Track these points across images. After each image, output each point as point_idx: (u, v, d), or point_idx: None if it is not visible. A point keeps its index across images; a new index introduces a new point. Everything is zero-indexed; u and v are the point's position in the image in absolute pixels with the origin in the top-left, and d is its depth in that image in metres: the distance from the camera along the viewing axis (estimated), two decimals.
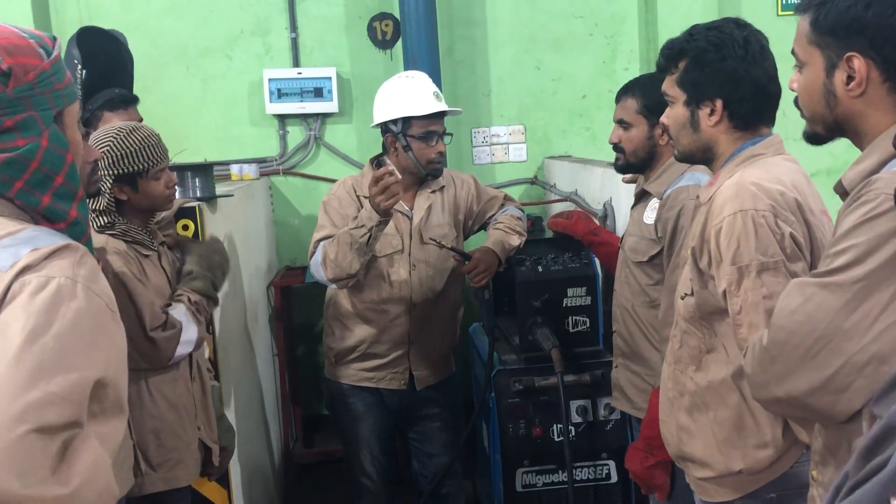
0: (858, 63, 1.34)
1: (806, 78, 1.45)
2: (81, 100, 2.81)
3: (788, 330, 1.38)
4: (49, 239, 1.21)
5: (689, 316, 1.89)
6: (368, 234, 2.72)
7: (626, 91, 2.60)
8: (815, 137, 1.50)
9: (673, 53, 1.89)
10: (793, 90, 1.51)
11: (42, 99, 1.26)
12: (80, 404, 1.12)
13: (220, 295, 2.51)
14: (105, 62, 2.96)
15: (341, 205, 2.96)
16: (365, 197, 2.93)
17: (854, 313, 1.29)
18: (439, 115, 2.95)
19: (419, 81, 2.99)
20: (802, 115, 1.50)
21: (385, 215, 2.71)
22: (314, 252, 2.91)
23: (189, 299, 2.32)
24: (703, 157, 1.93)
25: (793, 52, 1.47)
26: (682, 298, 1.90)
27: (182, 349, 2.25)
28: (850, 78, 1.36)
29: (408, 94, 2.94)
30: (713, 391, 1.86)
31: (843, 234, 1.31)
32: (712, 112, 1.85)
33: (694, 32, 1.87)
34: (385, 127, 2.97)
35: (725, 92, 1.82)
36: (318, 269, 2.87)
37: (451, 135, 3.03)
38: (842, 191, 1.41)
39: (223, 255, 2.52)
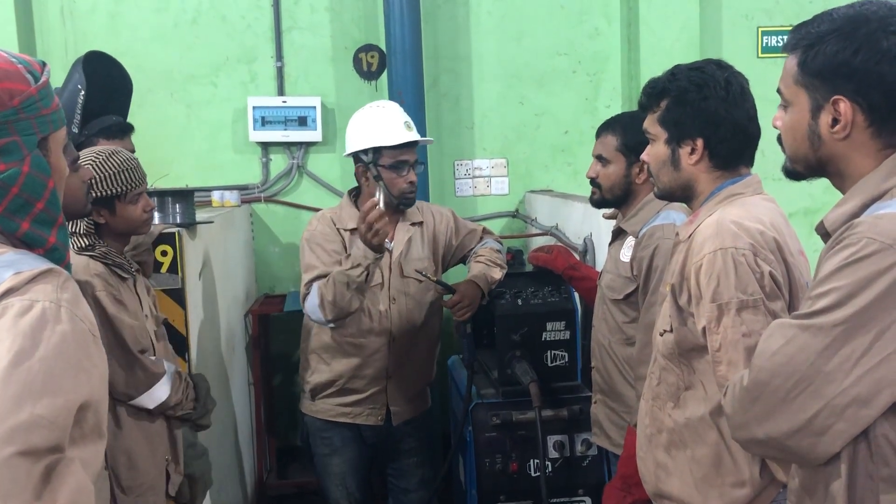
0: (844, 107, 1.35)
1: (791, 118, 1.46)
2: (79, 123, 2.81)
3: (769, 371, 1.37)
4: (31, 263, 1.20)
5: (667, 352, 1.89)
6: (365, 272, 2.71)
7: (606, 128, 2.62)
8: (794, 174, 1.51)
9: (655, 92, 1.91)
10: (776, 127, 1.52)
11: (26, 124, 1.25)
12: (64, 428, 1.12)
13: (194, 320, 2.48)
14: (105, 87, 2.98)
15: (326, 240, 2.92)
16: (346, 230, 2.92)
17: (835, 356, 1.29)
18: (410, 145, 2.92)
19: (389, 111, 2.98)
20: (784, 152, 1.51)
21: (379, 251, 2.70)
22: (306, 293, 2.86)
23: (181, 375, 2.36)
24: (683, 194, 1.94)
25: (778, 91, 1.49)
26: (661, 335, 1.91)
27: (147, 396, 2.25)
28: (835, 121, 1.37)
29: (378, 123, 2.92)
30: (691, 428, 1.85)
31: (825, 277, 1.31)
32: (693, 151, 1.86)
33: (676, 72, 1.90)
34: (356, 157, 2.95)
35: (706, 132, 1.84)
36: (316, 312, 2.82)
37: (422, 164, 3.02)
38: (823, 232, 1.41)
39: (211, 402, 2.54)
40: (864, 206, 1.34)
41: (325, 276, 2.83)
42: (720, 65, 1.89)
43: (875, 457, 1.30)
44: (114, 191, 2.20)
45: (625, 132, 2.51)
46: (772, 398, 1.37)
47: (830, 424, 1.31)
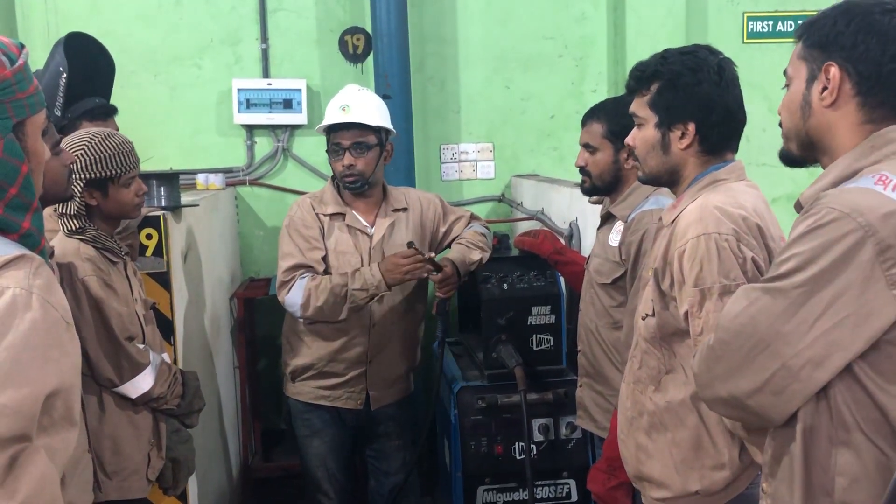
0: (834, 71, 1.40)
1: (790, 93, 1.50)
2: (62, 105, 2.78)
3: (732, 331, 1.42)
4: (4, 248, 1.19)
5: (649, 336, 1.91)
6: (369, 299, 2.79)
7: (591, 115, 2.61)
8: (788, 157, 1.54)
9: (645, 75, 1.91)
10: (780, 113, 1.55)
11: (1, 108, 1.23)
12: (30, 417, 1.11)
13: (180, 304, 2.46)
14: (87, 68, 2.94)
15: (304, 226, 2.93)
16: (326, 215, 2.93)
17: (792, 319, 1.33)
18: (346, 128, 2.91)
19: (339, 95, 3.01)
20: (782, 135, 1.54)
21: (394, 284, 2.81)
22: (287, 283, 2.87)
23: (170, 368, 2.36)
24: (669, 179, 1.95)
25: (785, 73, 1.52)
26: (643, 319, 1.92)
27: (130, 385, 2.24)
28: (825, 88, 1.42)
29: (327, 109, 2.99)
30: (672, 412, 1.87)
31: (788, 244, 1.36)
32: (683, 135, 1.87)
33: (668, 56, 1.90)
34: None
35: (698, 116, 1.85)
36: (296, 308, 2.86)
37: (369, 148, 2.91)
38: (799, 207, 1.46)
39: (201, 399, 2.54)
40: (837, 183, 1.39)
41: (302, 266, 2.84)
42: (711, 50, 1.90)
43: (835, 422, 1.33)
44: (107, 173, 2.19)
45: (610, 119, 2.52)
46: (733, 357, 1.42)
47: (787, 385, 1.35)
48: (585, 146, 2.59)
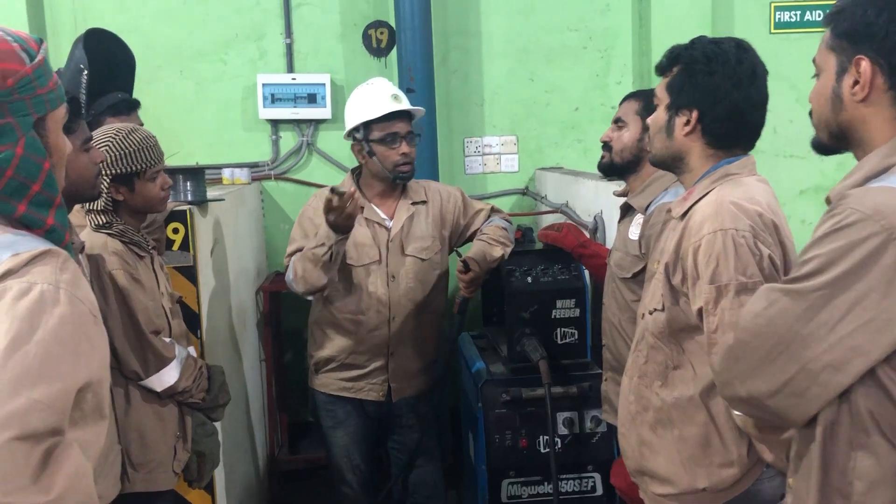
0: (865, 65, 1.36)
1: (819, 84, 1.47)
2: (85, 102, 2.81)
3: (751, 332, 1.40)
4: (30, 244, 1.20)
5: (657, 331, 1.89)
6: (329, 252, 2.74)
7: (631, 94, 2.63)
8: (820, 146, 1.51)
9: (671, 58, 1.91)
10: (811, 102, 1.52)
11: (21, 105, 1.23)
12: (63, 412, 1.12)
13: (206, 298, 2.48)
14: (107, 64, 2.97)
15: (315, 214, 2.94)
16: None
17: (812, 321, 1.31)
18: (399, 116, 2.92)
19: (377, 86, 2.99)
20: (813, 124, 1.51)
21: (343, 232, 2.73)
22: (287, 265, 2.94)
23: (196, 362, 2.37)
24: (673, 164, 1.94)
25: (813, 62, 1.49)
26: (651, 314, 1.91)
27: (156, 379, 2.26)
28: (856, 82, 1.38)
29: (366, 99, 2.94)
30: (680, 408, 1.86)
31: (810, 244, 1.34)
32: (687, 122, 1.86)
33: (695, 42, 1.89)
34: (352, 136, 2.98)
35: (703, 105, 1.83)
36: (292, 284, 2.92)
37: (418, 135, 2.99)
38: (829, 204, 1.43)
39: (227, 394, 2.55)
40: (867, 179, 1.35)
41: (302, 250, 2.88)
42: (740, 45, 1.86)
43: (855, 424, 1.31)
44: (133, 168, 2.22)
45: (648, 99, 2.50)
46: (752, 358, 1.40)
47: (807, 387, 1.33)
48: (616, 121, 2.58)
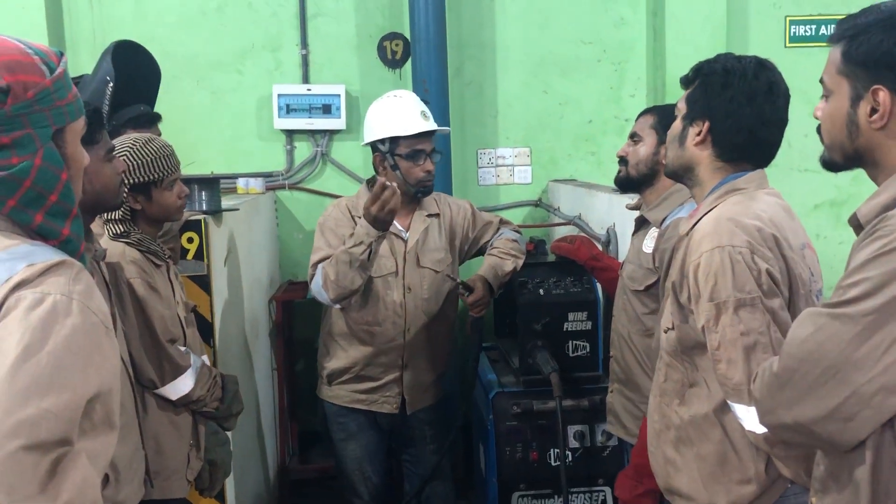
0: (884, 96, 1.35)
1: (831, 106, 1.46)
2: (108, 113, 2.84)
3: (798, 358, 1.39)
4: (45, 255, 1.20)
5: (671, 350, 1.90)
6: (368, 250, 2.72)
7: (647, 110, 2.65)
8: (831, 165, 1.51)
9: (695, 70, 1.92)
10: (816, 118, 1.52)
11: (40, 116, 1.24)
12: (72, 422, 1.12)
13: (219, 307, 2.48)
14: (133, 76, 3.00)
15: (337, 225, 2.95)
16: (360, 217, 2.94)
17: (864, 345, 1.30)
18: (427, 134, 2.94)
19: (406, 101, 2.99)
20: (822, 142, 1.51)
21: (382, 228, 2.71)
22: (314, 275, 2.90)
23: (210, 371, 2.38)
24: (684, 175, 1.94)
25: (821, 81, 1.49)
26: (665, 332, 1.91)
27: (171, 387, 2.28)
28: (873, 110, 1.37)
29: (395, 113, 2.95)
30: (696, 426, 1.86)
31: (856, 268, 1.32)
32: (699, 132, 1.87)
33: (719, 56, 1.91)
34: (374, 146, 2.98)
35: (714, 116, 1.85)
36: (321, 293, 2.86)
37: (440, 153, 3.03)
38: (856, 223, 1.42)
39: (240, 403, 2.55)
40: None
41: (329, 258, 2.86)
42: (762, 63, 1.86)
43: None
44: (150, 177, 2.24)
45: (664, 114, 2.51)
46: (800, 384, 1.38)
47: (857, 411, 1.32)
48: (632, 136, 2.59)
